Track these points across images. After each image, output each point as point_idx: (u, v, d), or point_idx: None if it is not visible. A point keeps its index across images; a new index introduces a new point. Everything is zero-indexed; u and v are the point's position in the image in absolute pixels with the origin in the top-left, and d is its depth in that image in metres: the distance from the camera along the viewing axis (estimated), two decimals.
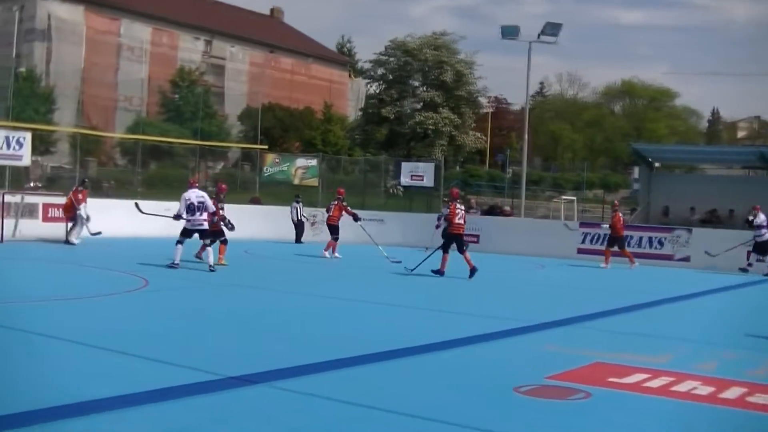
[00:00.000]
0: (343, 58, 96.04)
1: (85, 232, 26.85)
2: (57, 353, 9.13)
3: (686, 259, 29.99)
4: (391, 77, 64.33)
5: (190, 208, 20.29)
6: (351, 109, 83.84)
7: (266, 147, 46.54)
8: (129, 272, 18.07)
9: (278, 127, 65.73)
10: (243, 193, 38.75)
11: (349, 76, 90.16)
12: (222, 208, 22.09)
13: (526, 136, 46.09)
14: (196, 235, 20.27)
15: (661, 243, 30.71)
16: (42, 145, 49.89)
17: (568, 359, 9.98)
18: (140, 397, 7.27)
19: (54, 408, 6.75)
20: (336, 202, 26.63)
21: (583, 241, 32.01)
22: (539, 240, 32.57)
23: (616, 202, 32.68)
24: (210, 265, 19.52)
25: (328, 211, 27.08)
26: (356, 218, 26.73)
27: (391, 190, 49.02)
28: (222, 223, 21.59)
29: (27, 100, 54.41)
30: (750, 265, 27.33)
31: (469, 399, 7.85)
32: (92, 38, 68.04)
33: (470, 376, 9.00)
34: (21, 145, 30.58)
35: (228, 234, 21.82)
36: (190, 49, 76.09)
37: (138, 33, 71.03)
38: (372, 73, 67.03)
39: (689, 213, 35.10)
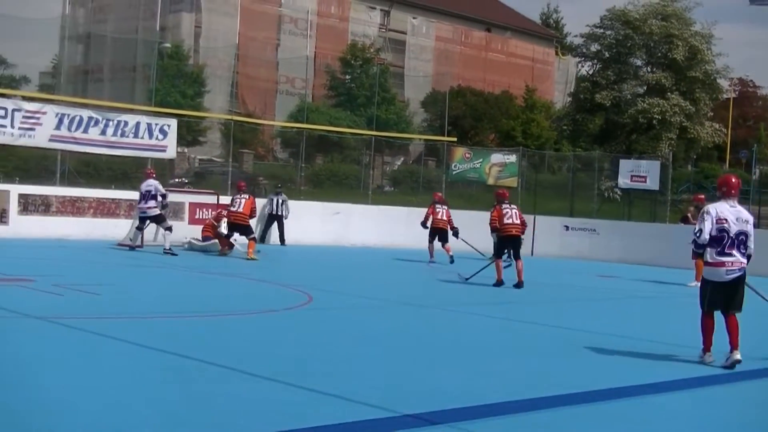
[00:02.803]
0: (548, 32, 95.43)
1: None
2: (206, 380, 9.38)
3: None
4: (607, 55, 63.64)
5: (142, 197, 25.46)
6: (558, 94, 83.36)
7: (455, 139, 46.67)
8: (290, 285, 18.45)
9: (469, 116, 65.87)
10: (425, 195, 38.99)
11: (556, 53, 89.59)
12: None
13: None
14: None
15: None
16: (189, 134, 51.54)
17: None
18: None
19: None
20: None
21: None
22: None
23: None
24: (165, 249, 24.60)
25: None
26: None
27: (606, 194, 48.43)
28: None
29: (172, 82, 56.36)
30: None
31: None
32: (248, 8, 69.69)
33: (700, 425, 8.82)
34: (165, 135, 31.74)
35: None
36: (364, 21, 77.04)
37: (302, 2, 72.29)
38: (584, 50, 66.49)
39: None
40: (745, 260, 11.73)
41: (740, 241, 11.68)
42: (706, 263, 11.92)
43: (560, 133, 67.42)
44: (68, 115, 29.80)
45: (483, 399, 9.10)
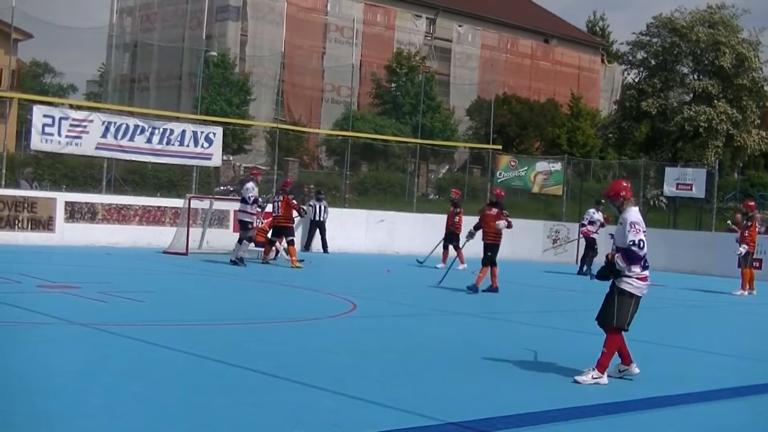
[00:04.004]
0: (594, 39, 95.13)
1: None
2: (248, 386, 9.37)
3: None
4: (653, 63, 63.27)
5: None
6: (604, 102, 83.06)
7: (500, 147, 46.59)
8: (334, 293, 18.47)
9: (515, 124, 65.85)
10: (470, 203, 38.91)
11: (602, 61, 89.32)
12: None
13: None
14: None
15: None
16: (235, 142, 51.83)
17: None
18: None
19: None
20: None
21: None
22: None
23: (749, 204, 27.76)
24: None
25: None
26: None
27: (652, 202, 48.16)
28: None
29: (218, 90, 56.66)
30: None
31: None
32: (294, 16, 69.94)
33: None
34: (211, 142, 31.86)
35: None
36: (409, 29, 77.15)
37: (348, 10, 72.49)
38: (630, 58, 66.13)
39: None
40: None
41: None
42: (637, 278, 10.74)
43: (606, 141, 67.09)
44: (114, 123, 29.95)
45: (528, 407, 9.05)
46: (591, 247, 29.59)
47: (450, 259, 26.95)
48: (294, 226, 26.77)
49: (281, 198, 25.91)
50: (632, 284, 10.69)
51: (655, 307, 20.44)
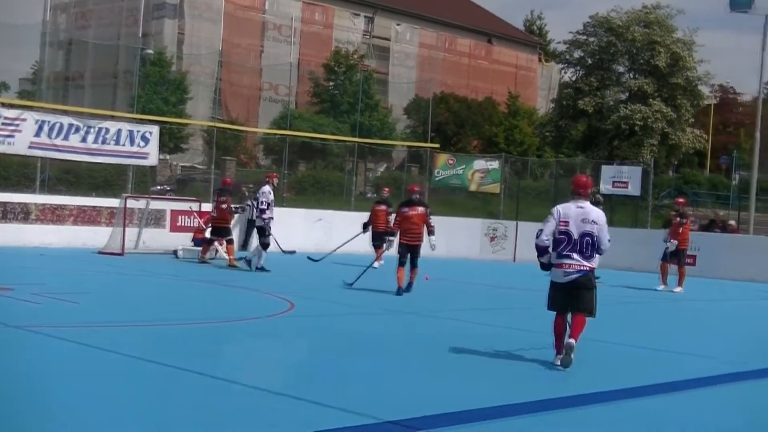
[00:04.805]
0: (532, 38, 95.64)
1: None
2: (186, 388, 9.31)
3: None
4: (590, 62, 63.68)
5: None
6: (541, 101, 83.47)
7: (438, 146, 46.73)
8: (271, 293, 18.42)
9: (453, 122, 65.93)
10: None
11: (540, 60, 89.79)
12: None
13: (758, 134, 44.83)
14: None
15: None
16: (171, 141, 51.47)
17: None
18: None
19: None
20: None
21: None
22: None
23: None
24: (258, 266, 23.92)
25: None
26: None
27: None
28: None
29: (155, 88, 56.20)
30: None
31: None
32: (232, 14, 69.67)
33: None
34: (147, 142, 31.62)
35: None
36: (348, 28, 77.11)
37: (286, 8, 72.39)
38: (567, 57, 66.48)
39: None
40: (587, 263, 11.65)
41: (585, 243, 11.63)
42: (551, 265, 11.79)
43: (543, 140, 67.45)
44: (48, 122, 29.58)
45: (463, 405, 9.06)
46: None
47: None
48: (230, 226, 26.70)
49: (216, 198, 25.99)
50: (551, 271, 11.82)
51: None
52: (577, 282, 11.59)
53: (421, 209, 20.18)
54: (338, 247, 25.96)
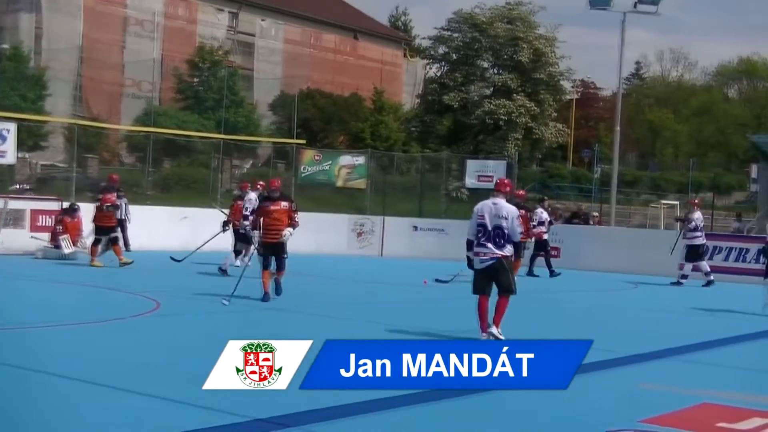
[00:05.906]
0: (397, 34, 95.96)
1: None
2: (51, 392, 9.20)
3: None
4: (455, 57, 64.40)
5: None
6: (407, 96, 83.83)
7: (304, 142, 46.83)
8: (137, 293, 18.25)
9: (319, 118, 65.90)
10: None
11: (405, 56, 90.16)
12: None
13: (618, 128, 45.76)
14: None
15: None
16: (30, 138, 50.43)
17: (666, 399, 9.99)
18: None
19: None
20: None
21: None
22: (635, 254, 32.31)
23: None
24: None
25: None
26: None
27: (454, 194, 48.99)
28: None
29: (12, 85, 54.90)
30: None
31: None
32: (92, 9, 68.30)
33: (551, 418, 8.97)
34: (4, 139, 30.94)
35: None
36: (212, 23, 76.44)
37: (149, 3, 71.33)
38: (432, 53, 67.16)
39: None
40: (499, 251, 13.33)
41: (497, 234, 13.32)
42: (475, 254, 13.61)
43: (409, 135, 67.86)
44: None
45: (333, 401, 9.11)
46: (543, 247, 28.86)
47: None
48: (114, 225, 26.10)
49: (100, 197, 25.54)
50: (475, 259, 13.63)
51: (449, 298, 20.83)
52: (493, 267, 13.36)
53: (284, 204, 18.91)
54: (200, 247, 25.76)
